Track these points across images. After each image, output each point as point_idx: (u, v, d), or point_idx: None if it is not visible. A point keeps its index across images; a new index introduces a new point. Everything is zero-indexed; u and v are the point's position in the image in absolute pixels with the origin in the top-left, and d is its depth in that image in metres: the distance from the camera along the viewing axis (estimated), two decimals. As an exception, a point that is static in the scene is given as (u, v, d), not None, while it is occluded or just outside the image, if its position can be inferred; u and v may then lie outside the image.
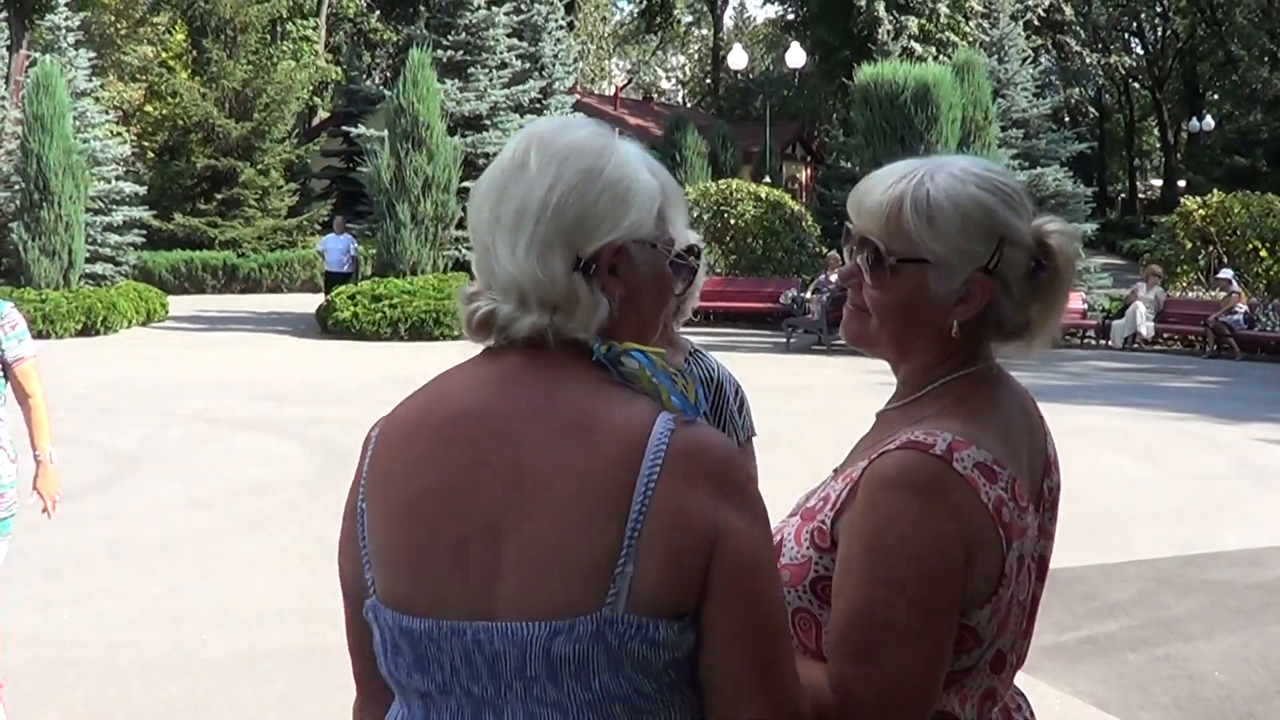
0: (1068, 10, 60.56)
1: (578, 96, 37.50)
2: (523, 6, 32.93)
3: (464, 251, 28.48)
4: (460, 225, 27.78)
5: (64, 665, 6.60)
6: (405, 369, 19.53)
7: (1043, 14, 52.80)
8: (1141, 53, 72.73)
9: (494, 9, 30.98)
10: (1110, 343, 25.02)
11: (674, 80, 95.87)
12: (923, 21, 44.22)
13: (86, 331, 25.54)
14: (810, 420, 14.71)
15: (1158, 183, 79.87)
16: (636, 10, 78.10)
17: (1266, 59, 49.84)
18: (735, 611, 1.72)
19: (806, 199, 46.97)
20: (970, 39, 41.28)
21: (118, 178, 31.86)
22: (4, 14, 33.89)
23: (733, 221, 29.55)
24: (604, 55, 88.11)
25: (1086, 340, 25.26)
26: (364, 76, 40.96)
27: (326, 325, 26.13)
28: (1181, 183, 60.36)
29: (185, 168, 39.02)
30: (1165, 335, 25.31)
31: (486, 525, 1.72)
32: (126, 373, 19.41)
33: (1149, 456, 13.31)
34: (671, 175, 1.95)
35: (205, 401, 16.18)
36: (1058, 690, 6.22)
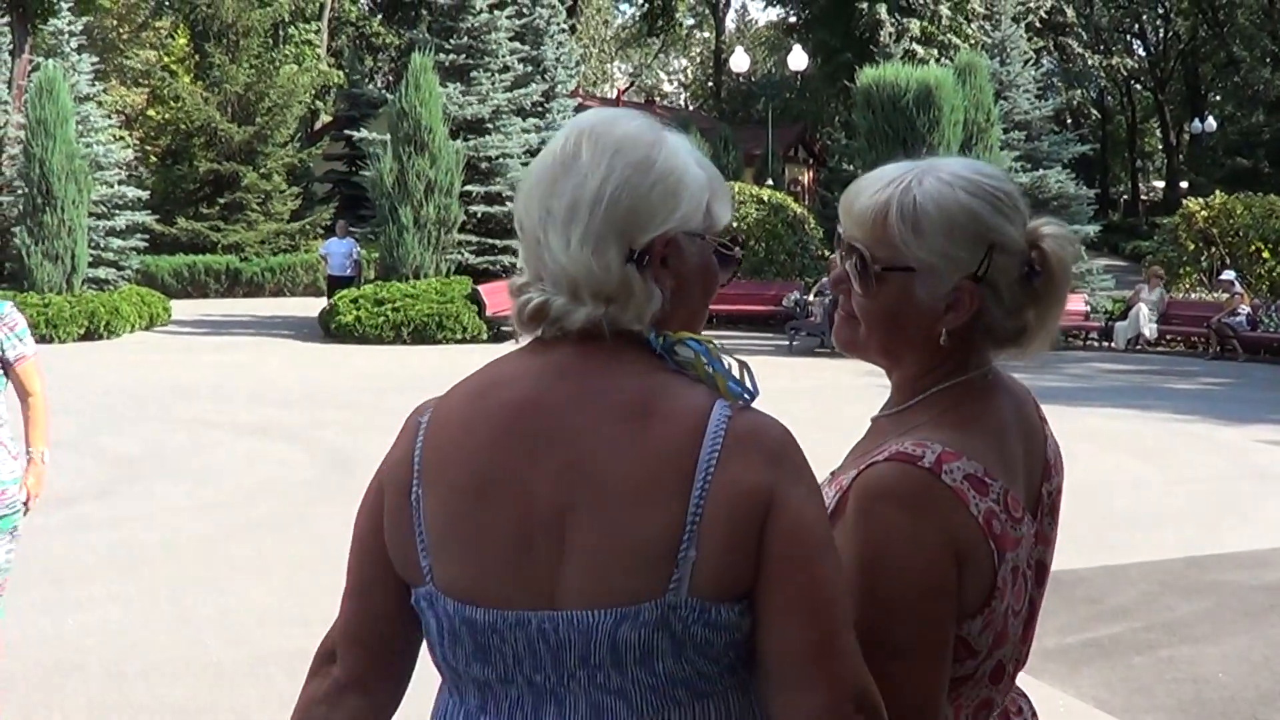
0: (1069, 12, 60.67)
1: (580, 100, 37.48)
2: (524, 10, 32.93)
3: (467, 255, 28.50)
4: (463, 229, 27.80)
5: (67, 669, 6.61)
6: (408, 372, 19.54)
7: (1044, 16, 52.84)
8: (1143, 54, 72.72)
9: (496, 13, 30.97)
10: (1113, 345, 25.00)
11: (676, 83, 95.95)
12: (924, 24, 44.21)
13: (89, 336, 25.56)
14: (814, 423, 14.64)
15: (1160, 184, 79.83)
16: (638, 13, 78.13)
17: (1268, 60, 49.84)
18: (790, 581, 1.72)
19: (809, 201, 46.97)
20: (972, 41, 41.28)
21: (120, 182, 31.90)
22: (6, 19, 33.92)
23: (735, 224, 29.21)
24: (606, 58, 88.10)
25: (1089, 342, 25.25)
26: (366, 80, 41.04)
27: (329, 329, 26.13)
28: (1184, 184, 60.33)
29: (188, 172, 39.03)
30: (1168, 337, 25.29)
31: (551, 515, 1.73)
32: (129, 377, 19.42)
33: (1152, 458, 13.30)
34: (715, 168, 1.96)
35: (208, 405, 16.19)
36: (1061, 693, 6.21)
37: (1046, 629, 2.22)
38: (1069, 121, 62.19)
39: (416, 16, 33.59)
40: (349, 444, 13.22)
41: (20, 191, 27.02)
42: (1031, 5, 48.36)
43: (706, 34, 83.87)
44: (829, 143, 50.43)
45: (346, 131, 35.05)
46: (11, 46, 34.09)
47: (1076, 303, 24.29)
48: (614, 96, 66.47)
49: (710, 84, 78.92)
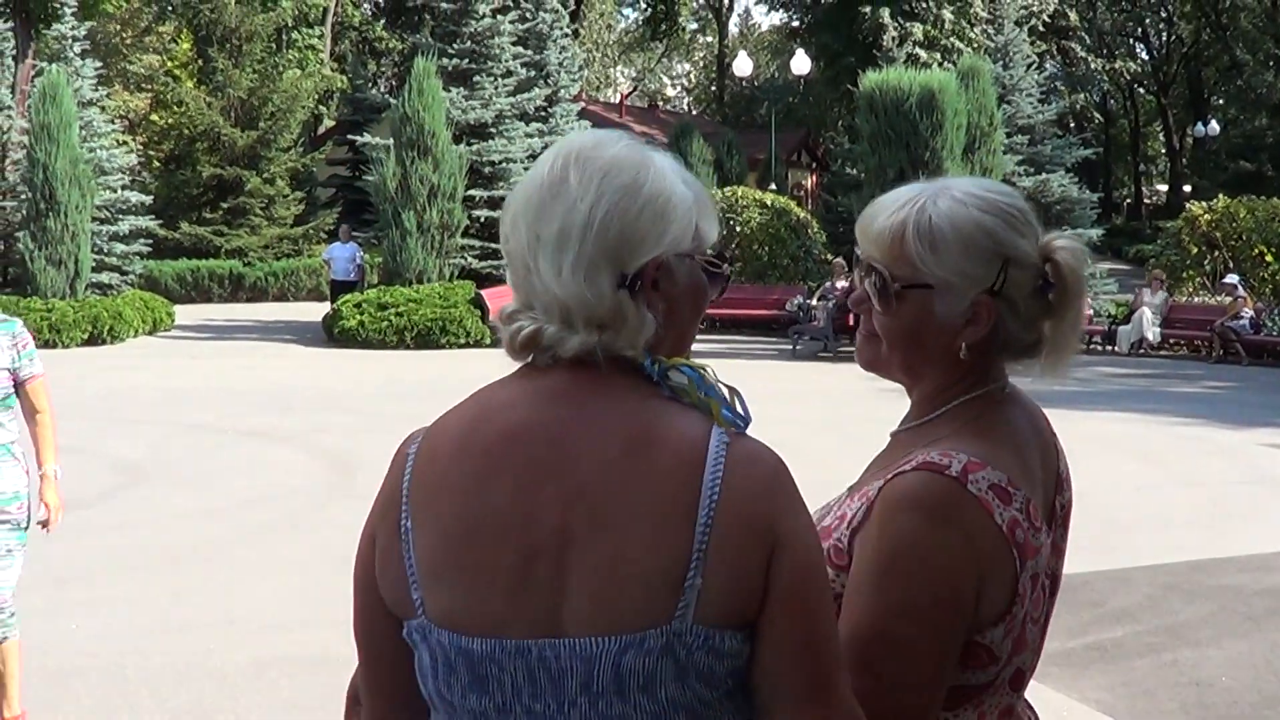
0: (1072, 16, 60.68)
1: (583, 104, 37.47)
2: (528, 14, 32.93)
3: (470, 260, 28.49)
4: (466, 233, 27.80)
5: (71, 674, 6.62)
6: (411, 377, 19.56)
7: (1047, 20, 52.83)
8: (1146, 58, 72.73)
9: (499, 17, 30.99)
10: (1116, 348, 24.99)
11: (679, 87, 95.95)
12: (927, 28, 44.21)
13: (93, 341, 25.56)
14: (816, 427, 14.72)
15: (1163, 188, 79.86)
16: (641, 18, 78.15)
17: (1271, 63, 49.87)
18: (796, 619, 1.74)
19: (812, 206, 46.96)
20: (975, 45, 41.26)
21: (124, 187, 31.90)
22: (10, 23, 33.96)
23: (738, 229, 29.55)
24: (609, 63, 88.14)
25: (1093, 346, 25.23)
26: (369, 85, 41.00)
27: (332, 334, 26.16)
28: (1187, 188, 60.41)
29: (191, 177, 39.07)
30: (1171, 341, 25.28)
31: (552, 543, 1.72)
32: (133, 382, 19.44)
33: (1156, 462, 13.30)
34: (702, 185, 1.95)
35: (212, 410, 16.20)
36: (1065, 696, 6.21)
37: (1049, 632, 2.24)
38: (1072, 125, 62.25)
39: (419, 21, 33.50)
40: (352, 448, 13.22)
41: (24, 196, 27.03)
42: (1034, 9, 48.35)
43: (709, 38, 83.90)
44: (832, 147, 50.45)
45: (350, 136, 35.04)
46: (15, 51, 34.10)
47: (1080, 306, 24.24)
48: (617, 101, 66.50)
49: (713, 88, 78.91)
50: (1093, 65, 64.87)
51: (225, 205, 39.03)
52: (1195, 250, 27.01)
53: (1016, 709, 2.14)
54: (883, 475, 2.06)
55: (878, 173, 23.54)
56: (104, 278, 29.24)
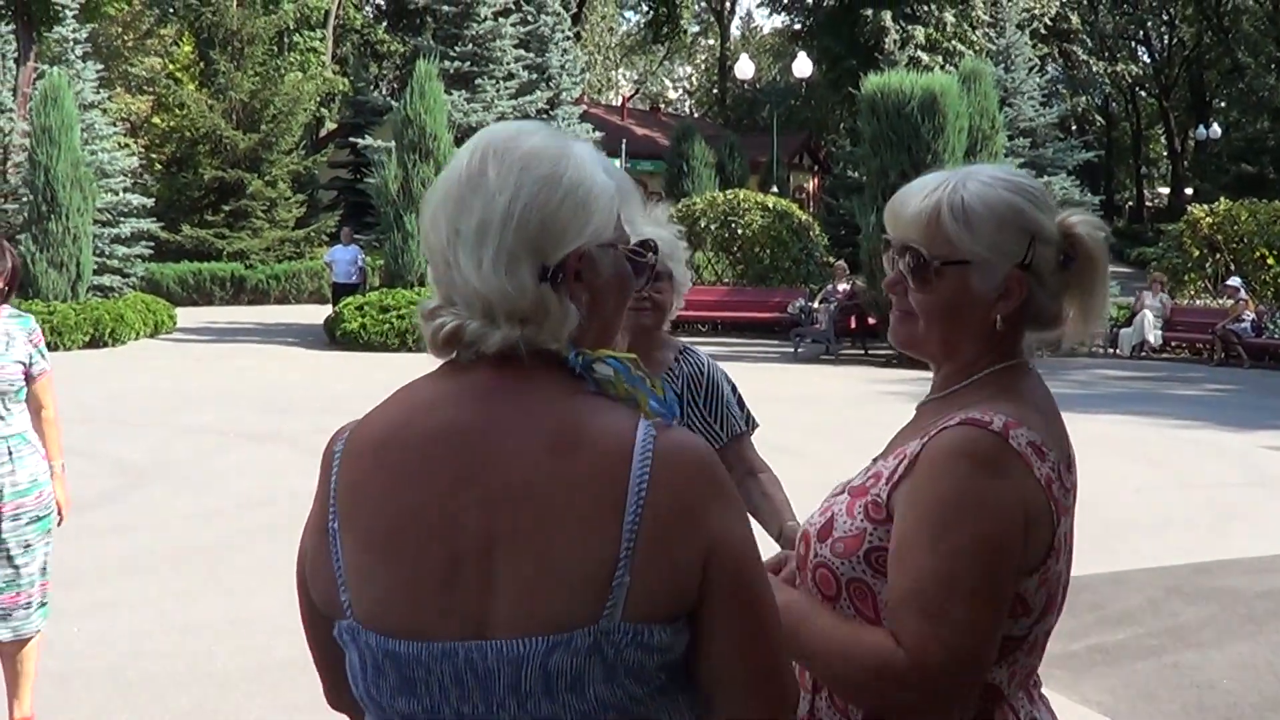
0: (1074, 19, 60.70)
1: (585, 107, 37.55)
2: (529, 17, 33.00)
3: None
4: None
5: (73, 676, 6.62)
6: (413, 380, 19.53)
7: (1049, 23, 52.90)
8: (1148, 61, 72.74)
9: (501, 20, 31.04)
10: (1118, 351, 24.98)
11: (681, 90, 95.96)
12: (929, 31, 44.22)
13: (94, 344, 25.56)
14: (818, 429, 14.72)
15: (1165, 191, 79.86)
16: (643, 20, 78.18)
17: (1273, 66, 49.87)
18: (735, 614, 1.75)
19: (814, 208, 47.02)
20: (977, 48, 41.30)
21: (125, 190, 31.89)
22: (11, 26, 33.99)
23: (740, 231, 29.54)
24: (611, 66, 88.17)
25: (1094, 349, 25.21)
26: (371, 88, 41.05)
27: (334, 336, 26.15)
28: (1189, 190, 60.43)
29: (193, 179, 39.06)
30: (1173, 343, 25.27)
31: (477, 545, 1.70)
32: (135, 385, 19.45)
33: (1157, 464, 13.30)
34: (625, 173, 1.95)
35: (213, 413, 16.21)
36: (1066, 699, 6.20)
37: (1051, 634, 2.26)
38: (1074, 128, 62.26)
39: (421, 24, 33.56)
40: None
41: (25, 199, 27.05)
42: (1036, 12, 48.44)
43: (711, 41, 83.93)
44: (834, 150, 50.48)
45: (351, 139, 35.10)
46: (16, 54, 34.12)
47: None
48: (619, 104, 66.48)
49: (715, 91, 78.97)
50: (1094, 68, 64.91)
51: (227, 208, 39.02)
52: (1197, 253, 26.99)
53: (1035, 675, 2.26)
54: (921, 435, 2.16)
55: (879, 176, 23.53)
56: (105, 280, 29.24)
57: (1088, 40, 64.91)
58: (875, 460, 2.32)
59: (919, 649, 2.00)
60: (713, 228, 29.66)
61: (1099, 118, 74.77)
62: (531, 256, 1.75)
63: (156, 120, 42.99)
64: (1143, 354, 24.82)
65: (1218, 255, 26.75)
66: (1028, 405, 2.19)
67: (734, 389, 4.16)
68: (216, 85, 39.94)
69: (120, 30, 48.82)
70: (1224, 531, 10.42)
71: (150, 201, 32.90)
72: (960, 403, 2.20)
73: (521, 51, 32.07)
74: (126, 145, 36.28)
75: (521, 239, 1.75)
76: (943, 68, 36.60)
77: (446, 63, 29.70)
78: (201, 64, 42.11)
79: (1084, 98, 67.12)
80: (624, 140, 35.36)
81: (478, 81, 30.69)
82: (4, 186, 30.09)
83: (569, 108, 33.67)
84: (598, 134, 33.85)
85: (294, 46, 48.52)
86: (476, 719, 1.73)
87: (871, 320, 25.06)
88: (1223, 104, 65.46)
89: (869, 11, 44.15)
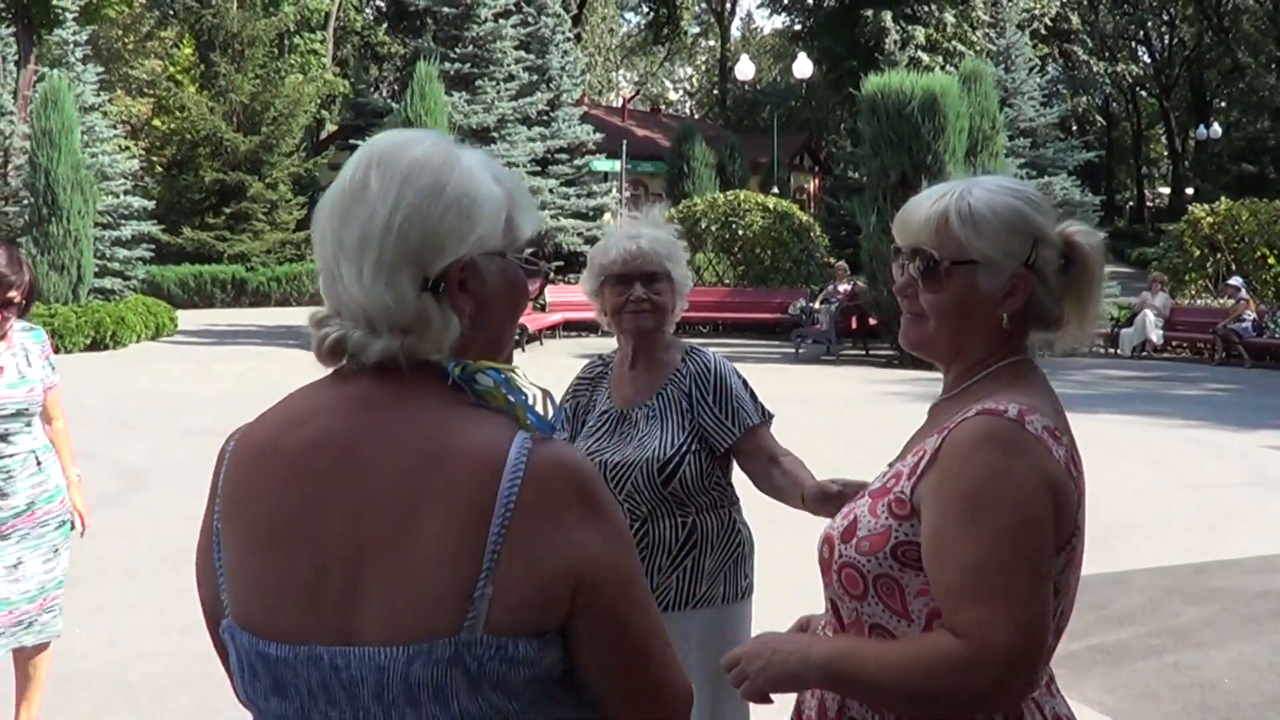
0: (1074, 19, 60.70)
1: (585, 108, 37.53)
2: (530, 19, 32.98)
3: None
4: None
5: (73, 678, 6.62)
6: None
7: (1049, 23, 52.89)
8: (1148, 61, 72.73)
9: (501, 21, 31.03)
10: (1119, 351, 24.98)
11: (681, 91, 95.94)
12: (929, 31, 44.20)
13: (95, 346, 25.57)
14: (820, 430, 14.70)
15: (1165, 191, 79.85)
16: (643, 22, 78.19)
17: (1274, 66, 49.84)
18: (605, 632, 1.75)
19: (814, 209, 47.06)
20: (977, 48, 41.27)
21: (126, 192, 31.91)
22: (12, 29, 33.99)
23: (741, 232, 29.55)
24: (611, 67, 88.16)
25: (1095, 349, 25.20)
26: (372, 89, 41.02)
27: (335, 338, 26.10)
28: (1189, 190, 60.42)
29: (193, 182, 39.07)
30: (1174, 343, 25.26)
31: (344, 553, 1.71)
32: (136, 387, 19.46)
33: (1158, 464, 13.30)
34: (518, 179, 1.95)
35: (214, 415, 16.19)
36: (1067, 699, 6.20)
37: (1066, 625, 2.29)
38: (1074, 128, 62.25)
39: (421, 26, 33.53)
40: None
41: (26, 202, 27.06)
42: (1036, 12, 48.44)
43: (712, 42, 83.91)
44: (834, 150, 50.47)
45: (352, 141, 34.97)
46: (17, 56, 34.14)
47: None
48: (620, 105, 66.49)
49: (716, 92, 78.98)
50: (1095, 68, 64.92)
51: (228, 210, 39.05)
52: (1198, 253, 27.00)
53: (1050, 672, 2.37)
54: (938, 431, 2.25)
55: (880, 176, 23.52)
56: (106, 283, 29.27)
57: (1088, 40, 64.93)
58: (891, 464, 2.40)
59: (981, 634, 2.05)
60: (713, 229, 29.67)
61: (1099, 118, 74.78)
62: (412, 267, 1.76)
63: (157, 123, 43.01)
64: (1144, 354, 24.82)
65: (1218, 255, 26.75)
66: (1037, 396, 2.28)
67: (745, 383, 4.14)
68: (217, 87, 39.95)
69: (120, 33, 48.86)
70: (1225, 531, 10.42)
71: (151, 204, 32.92)
72: (972, 398, 2.29)
73: (522, 53, 32.05)
74: (127, 148, 36.29)
75: (401, 250, 1.75)
76: (943, 68, 36.59)
77: (447, 64, 29.69)
78: (202, 66, 42.10)
79: (1084, 98, 67.11)
80: (624, 141, 35.32)
81: (478, 83, 30.66)
82: (5, 189, 30.12)
83: (569, 109, 33.65)
84: (598, 135, 33.83)
85: (294, 48, 48.56)
86: None
87: (872, 321, 25.06)
88: (1223, 104, 65.47)
89: (869, 12, 44.13)
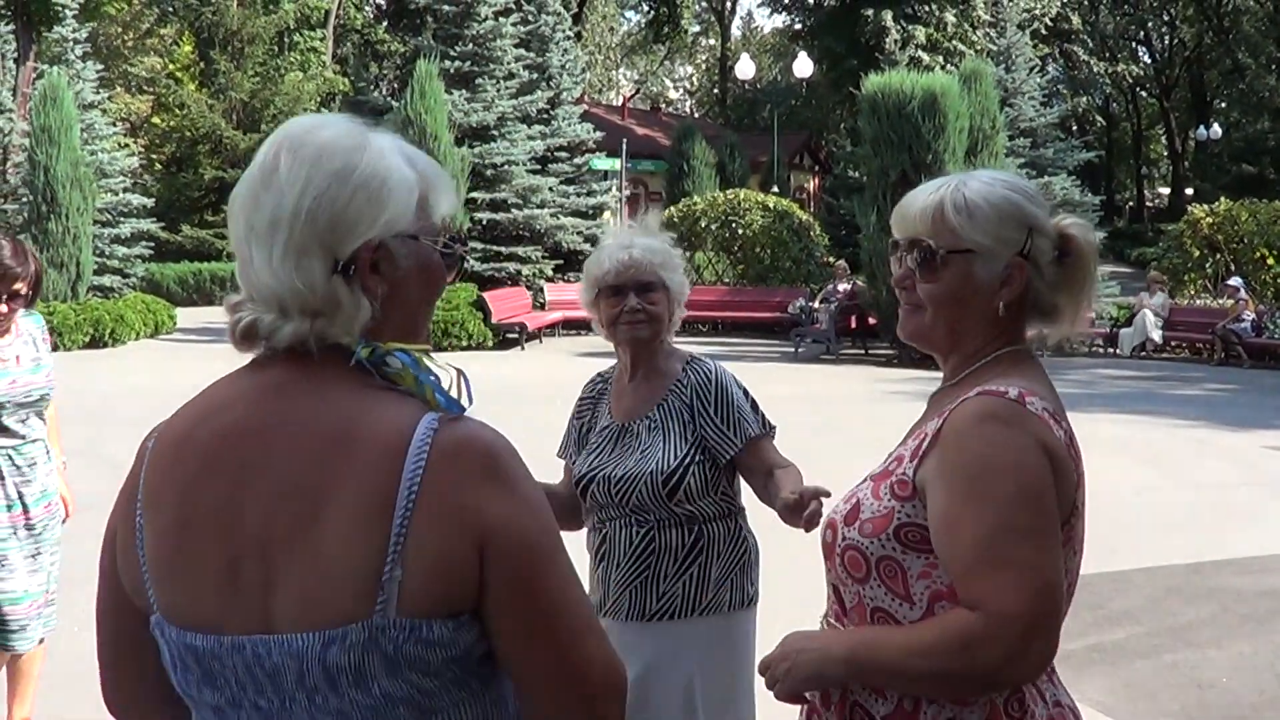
0: (1075, 19, 60.71)
1: (585, 107, 37.47)
2: (530, 17, 32.92)
3: (472, 262, 28.49)
4: (468, 236, 27.79)
5: (74, 679, 6.60)
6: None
7: (1050, 23, 52.87)
8: (1149, 61, 72.73)
9: (501, 20, 30.97)
10: (1118, 351, 24.97)
11: (682, 90, 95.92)
12: (930, 31, 44.21)
13: (94, 344, 25.55)
14: (819, 429, 14.70)
15: (1165, 191, 79.85)
16: (644, 20, 78.16)
17: (1274, 67, 49.91)
18: (519, 608, 1.74)
19: (814, 208, 47.00)
20: (977, 48, 41.27)
21: (125, 190, 31.92)
22: (11, 26, 33.97)
23: (740, 231, 29.54)
24: (611, 65, 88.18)
25: (1094, 348, 25.20)
26: (371, 87, 40.88)
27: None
28: (1189, 191, 60.44)
29: (193, 179, 39.12)
30: (1173, 343, 25.25)
31: (257, 541, 1.72)
32: (135, 385, 19.45)
33: (1157, 464, 13.30)
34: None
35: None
36: (1066, 699, 6.21)
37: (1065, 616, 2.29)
38: (1074, 128, 62.18)
39: (421, 24, 33.46)
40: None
41: (25, 199, 27.05)
42: (1037, 12, 48.41)
43: (712, 41, 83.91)
44: (834, 150, 50.44)
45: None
46: (16, 54, 34.14)
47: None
48: (620, 104, 66.48)
49: (716, 91, 78.94)
50: (1095, 68, 64.94)
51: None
52: (1197, 253, 26.99)
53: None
54: (939, 414, 2.29)
55: (880, 175, 23.51)
56: (105, 281, 29.27)
57: (1088, 40, 64.95)
58: (890, 455, 2.42)
59: (998, 603, 2.07)
60: (713, 228, 29.65)
61: (1099, 118, 74.79)
62: (321, 250, 1.76)
63: (156, 120, 43.05)
64: (1143, 354, 24.81)
65: (1218, 255, 26.75)
66: (1035, 381, 2.31)
67: (746, 393, 4.11)
68: (216, 85, 40.00)
69: (120, 30, 48.81)
70: (1223, 531, 10.42)
71: (150, 202, 32.93)
72: (971, 384, 2.31)
73: (522, 51, 31.99)
74: (126, 145, 36.30)
75: (310, 233, 1.75)
76: (943, 68, 36.59)
77: (447, 62, 29.64)
78: (201, 64, 42.18)
79: (1085, 98, 67.09)
80: (624, 140, 35.26)
81: (478, 81, 30.61)
82: (4, 186, 30.12)
83: (569, 107, 33.60)
84: (599, 134, 33.79)
85: (294, 46, 48.53)
86: (274, 711, 1.75)
87: (872, 320, 25.05)
88: (1223, 104, 65.51)
89: (870, 11, 44.12)
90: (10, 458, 5.38)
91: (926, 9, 44.31)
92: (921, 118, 22.97)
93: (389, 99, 34.81)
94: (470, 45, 30.76)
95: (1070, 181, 32.08)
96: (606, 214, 33.91)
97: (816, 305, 26.04)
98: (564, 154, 32.70)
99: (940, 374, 2.53)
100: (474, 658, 1.77)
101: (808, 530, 3.39)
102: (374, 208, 1.79)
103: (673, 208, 31.03)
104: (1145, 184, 80.00)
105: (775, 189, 37.86)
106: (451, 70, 29.87)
